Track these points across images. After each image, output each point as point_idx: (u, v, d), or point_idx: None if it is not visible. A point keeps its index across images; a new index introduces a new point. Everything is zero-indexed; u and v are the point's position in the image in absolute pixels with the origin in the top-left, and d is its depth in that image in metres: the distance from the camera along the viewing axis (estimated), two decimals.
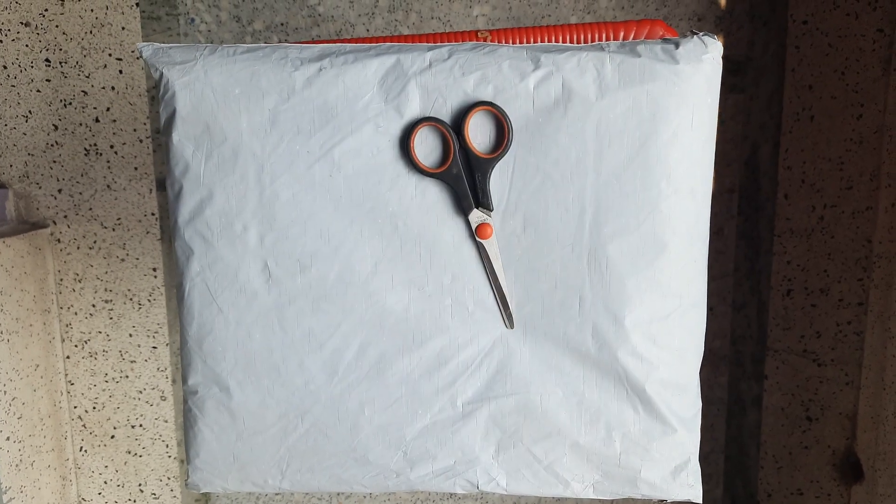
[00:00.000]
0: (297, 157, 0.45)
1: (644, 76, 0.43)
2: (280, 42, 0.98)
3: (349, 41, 0.49)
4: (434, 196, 0.45)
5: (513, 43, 0.49)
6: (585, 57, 0.43)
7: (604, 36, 0.47)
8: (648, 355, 0.46)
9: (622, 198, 0.44)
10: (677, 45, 0.44)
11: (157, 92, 0.49)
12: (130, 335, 1.05)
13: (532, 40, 0.48)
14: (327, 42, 0.49)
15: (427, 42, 0.50)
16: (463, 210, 0.45)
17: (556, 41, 0.48)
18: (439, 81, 0.44)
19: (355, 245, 0.46)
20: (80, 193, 1.02)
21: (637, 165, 0.44)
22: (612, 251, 0.45)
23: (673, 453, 0.49)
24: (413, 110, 0.44)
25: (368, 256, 0.46)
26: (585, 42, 0.48)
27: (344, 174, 0.46)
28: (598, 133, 0.44)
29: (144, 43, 0.47)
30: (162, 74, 0.46)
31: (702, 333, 0.49)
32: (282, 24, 0.97)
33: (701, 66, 0.44)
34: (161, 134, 0.49)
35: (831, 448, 1.04)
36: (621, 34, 0.47)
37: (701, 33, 0.44)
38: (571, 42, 0.48)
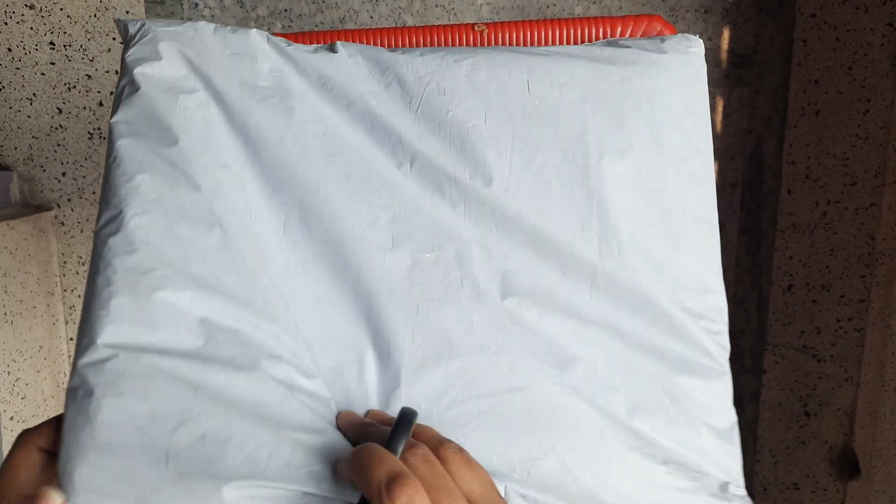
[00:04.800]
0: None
1: (635, 61, 0.44)
2: (284, 29, 0.98)
3: (350, 32, 0.49)
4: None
5: (509, 36, 0.48)
6: (578, 63, 0.44)
7: (601, 31, 0.46)
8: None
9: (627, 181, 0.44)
10: (663, 40, 0.45)
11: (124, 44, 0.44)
12: None
13: (527, 34, 0.47)
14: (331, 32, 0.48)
15: (427, 34, 0.50)
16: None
17: (552, 37, 0.48)
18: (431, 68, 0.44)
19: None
20: (84, 177, 1.02)
21: (637, 148, 0.44)
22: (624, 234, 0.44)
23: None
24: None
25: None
26: (581, 37, 0.48)
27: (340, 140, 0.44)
28: (595, 114, 0.44)
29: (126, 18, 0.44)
30: (144, 24, 0.43)
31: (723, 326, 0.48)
32: (286, 10, 0.97)
33: (687, 56, 0.45)
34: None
35: (828, 444, 1.04)
36: (619, 29, 0.46)
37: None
38: (567, 37, 0.48)
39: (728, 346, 0.45)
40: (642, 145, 0.44)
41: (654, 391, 0.43)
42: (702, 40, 0.47)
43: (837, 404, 1.03)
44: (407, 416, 0.34)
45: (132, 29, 0.43)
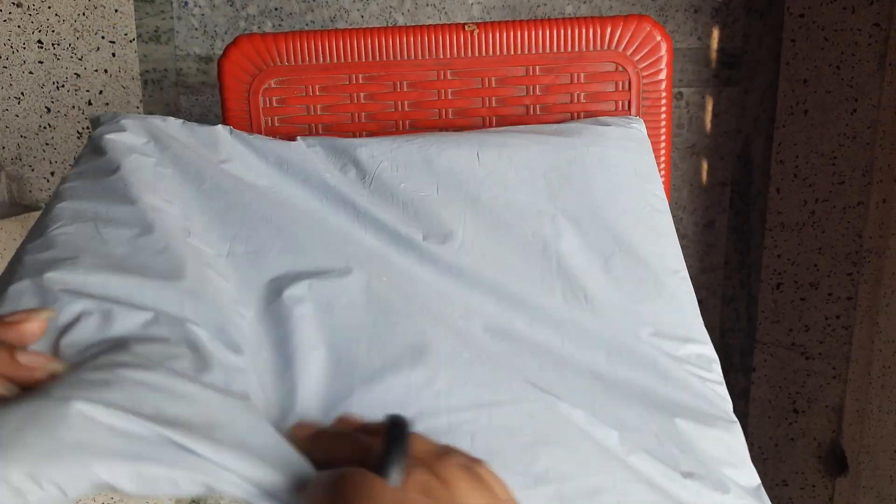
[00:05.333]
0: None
1: (581, 132, 0.48)
2: (274, 28, 0.97)
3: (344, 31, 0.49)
4: None
5: (499, 36, 0.48)
6: (526, 136, 0.47)
7: (591, 31, 0.47)
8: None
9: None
10: (606, 122, 0.49)
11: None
12: None
13: (517, 34, 0.48)
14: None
15: (418, 34, 0.50)
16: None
17: (542, 37, 0.48)
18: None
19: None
20: None
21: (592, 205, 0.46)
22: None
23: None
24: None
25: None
26: (572, 37, 0.48)
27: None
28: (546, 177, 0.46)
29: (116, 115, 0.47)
30: (115, 115, 0.47)
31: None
32: (276, 9, 0.97)
33: (630, 130, 0.48)
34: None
35: (817, 440, 1.05)
36: (608, 29, 0.46)
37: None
38: (557, 36, 0.48)
39: (728, 398, 0.44)
40: (596, 203, 0.45)
41: (650, 434, 0.40)
42: (642, 125, 0.50)
43: (826, 401, 1.04)
44: (399, 426, 0.26)
45: (104, 118, 0.46)
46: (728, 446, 0.41)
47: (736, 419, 0.42)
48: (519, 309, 0.42)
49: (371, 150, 0.46)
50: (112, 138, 0.44)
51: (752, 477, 0.40)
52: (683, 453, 0.39)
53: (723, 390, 0.43)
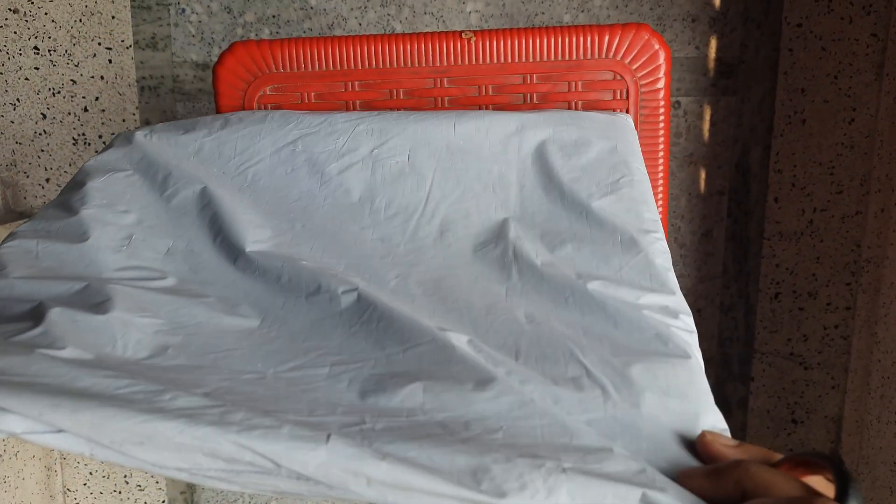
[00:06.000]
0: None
1: (562, 111, 0.49)
2: (271, 35, 0.97)
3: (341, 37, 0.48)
4: None
5: (496, 44, 0.48)
6: (504, 113, 0.47)
7: (589, 39, 0.46)
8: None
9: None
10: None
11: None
12: None
13: (515, 43, 0.47)
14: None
15: (415, 42, 0.50)
16: None
17: (539, 45, 0.47)
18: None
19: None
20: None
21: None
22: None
23: None
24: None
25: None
26: (570, 45, 0.48)
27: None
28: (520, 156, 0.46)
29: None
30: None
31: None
32: (273, 17, 0.96)
33: (615, 117, 0.48)
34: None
35: (815, 451, 1.04)
36: (606, 38, 0.46)
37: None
38: (555, 44, 0.48)
39: (695, 343, 0.39)
40: (570, 175, 0.45)
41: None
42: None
43: (824, 412, 1.03)
44: (842, 465, 0.27)
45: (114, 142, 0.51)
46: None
47: (693, 355, 0.37)
48: (465, 269, 0.42)
49: (350, 115, 0.48)
50: (92, 164, 0.48)
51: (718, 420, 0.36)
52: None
53: (692, 339, 0.39)
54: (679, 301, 0.41)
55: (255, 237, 0.43)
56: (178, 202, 0.45)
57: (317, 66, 0.50)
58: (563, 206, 0.44)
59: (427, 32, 0.49)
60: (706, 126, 0.98)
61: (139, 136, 0.50)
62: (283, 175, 0.46)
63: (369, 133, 0.46)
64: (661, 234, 0.44)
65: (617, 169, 0.45)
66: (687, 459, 0.32)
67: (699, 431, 0.34)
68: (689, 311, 0.41)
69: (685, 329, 0.39)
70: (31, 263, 0.40)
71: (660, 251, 0.43)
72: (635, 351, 0.36)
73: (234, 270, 0.42)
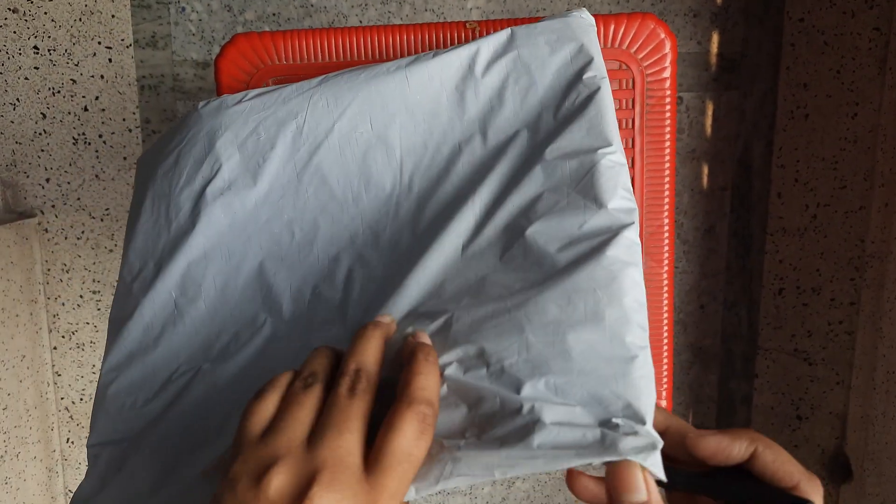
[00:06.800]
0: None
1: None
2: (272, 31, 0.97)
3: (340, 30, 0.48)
4: None
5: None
6: (451, 53, 0.44)
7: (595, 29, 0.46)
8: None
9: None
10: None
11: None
12: None
13: None
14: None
15: (418, 33, 0.49)
16: None
17: None
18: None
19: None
20: (69, 183, 1.00)
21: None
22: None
23: None
24: None
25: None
26: None
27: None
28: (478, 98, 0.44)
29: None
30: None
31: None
32: (274, 15, 0.96)
33: (570, 18, 0.44)
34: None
35: (821, 447, 1.04)
36: (612, 27, 0.46)
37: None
38: None
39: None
40: (532, 116, 0.43)
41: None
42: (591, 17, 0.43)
43: (829, 408, 1.03)
44: None
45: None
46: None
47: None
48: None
49: (302, 84, 0.45)
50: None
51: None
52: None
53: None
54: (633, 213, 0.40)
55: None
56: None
57: (320, 58, 0.49)
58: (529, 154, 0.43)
59: (431, 23, 0.48)
60: (708, 122, 0.98)
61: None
62: (256, 167, 0.44)
63: (325, 105, 0.44)
64: (621, 153, 0.41)
65: (576, 84, 0.42)
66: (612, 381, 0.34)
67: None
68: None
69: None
70: None
71: (609, 167, 0.40)
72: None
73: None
